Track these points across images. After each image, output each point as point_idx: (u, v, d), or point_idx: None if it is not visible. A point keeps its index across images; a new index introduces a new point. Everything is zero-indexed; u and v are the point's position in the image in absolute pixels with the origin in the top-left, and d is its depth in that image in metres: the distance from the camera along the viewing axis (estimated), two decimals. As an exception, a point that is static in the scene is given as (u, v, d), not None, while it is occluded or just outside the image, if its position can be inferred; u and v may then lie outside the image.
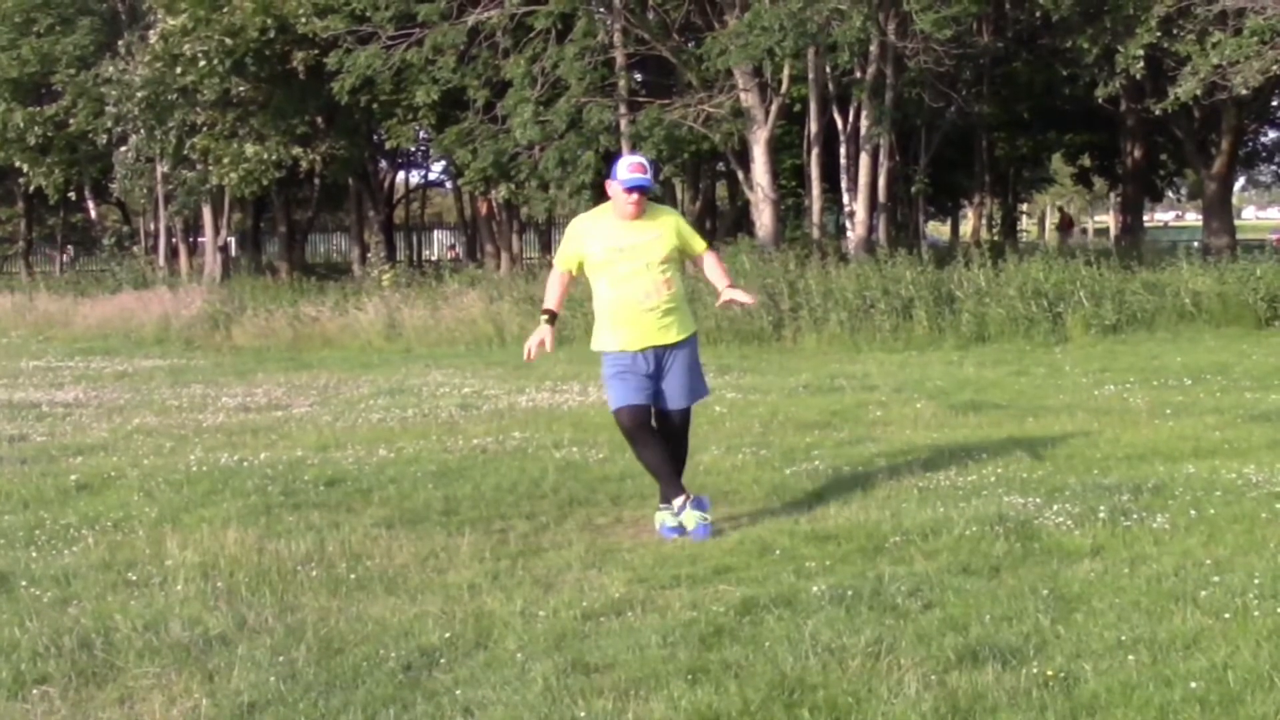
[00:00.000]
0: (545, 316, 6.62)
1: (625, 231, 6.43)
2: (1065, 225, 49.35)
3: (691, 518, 6.40)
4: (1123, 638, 4.53)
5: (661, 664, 4.42)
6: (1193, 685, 4.06)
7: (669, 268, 6.48)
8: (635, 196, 6.38)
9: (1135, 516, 6.26)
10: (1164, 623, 4.69)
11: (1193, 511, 6.32)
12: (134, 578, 5.75)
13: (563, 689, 4.23)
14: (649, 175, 6.46)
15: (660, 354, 6.48)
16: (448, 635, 4.83)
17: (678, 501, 6.44)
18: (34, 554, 6.25)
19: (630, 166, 6.46)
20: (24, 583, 5.68)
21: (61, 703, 4.31)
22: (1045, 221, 75.57)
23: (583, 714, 4.05)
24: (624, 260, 6.40)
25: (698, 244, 6.70)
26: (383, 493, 7.54)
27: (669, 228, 6.52)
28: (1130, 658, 4.33)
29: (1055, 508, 6.46)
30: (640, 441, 6.50)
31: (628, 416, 6.45)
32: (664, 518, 6.50)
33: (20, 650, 4.77)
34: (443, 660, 4.60)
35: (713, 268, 6.78)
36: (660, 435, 6.57)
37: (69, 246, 43.45)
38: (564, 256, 6.64)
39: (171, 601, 5.36)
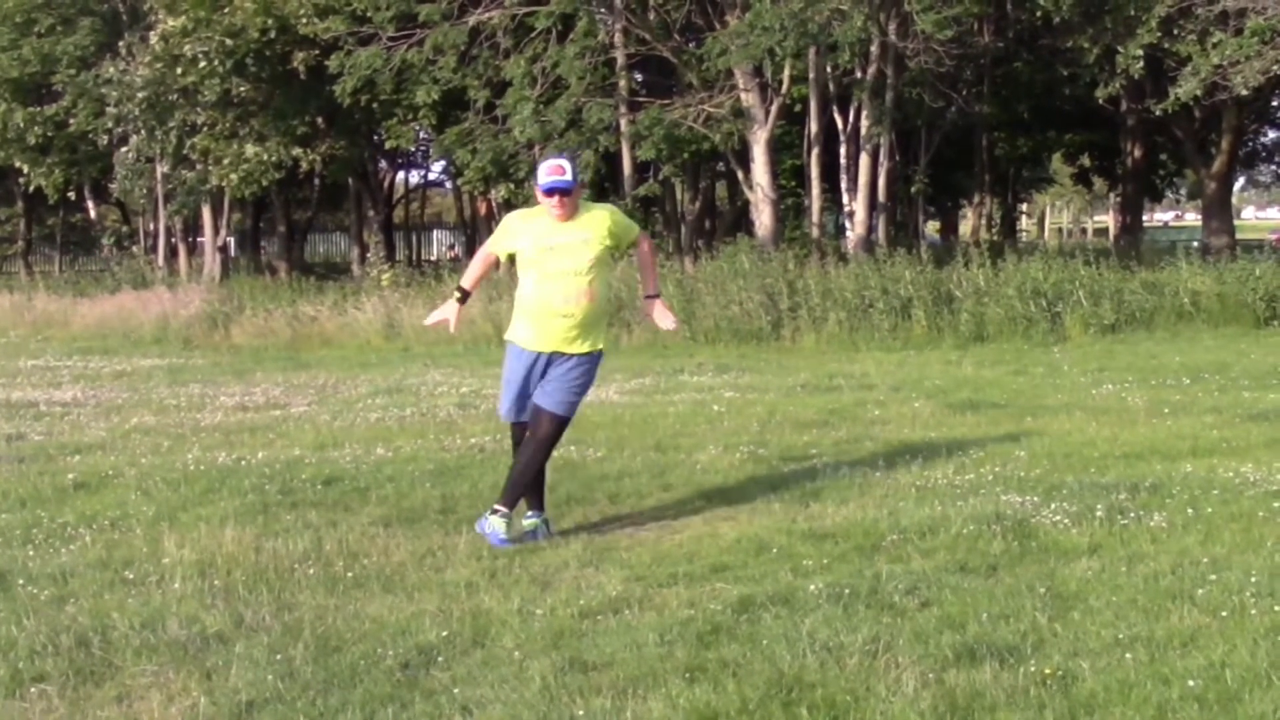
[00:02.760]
0: (457, 294, 6.60)
1: (556, 231, 6.36)
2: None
3: (496, 524, 6.29)
4: (1120, 636, 4.53)
5: (659, 662, 4.42)
6: (1190, 683, 4.06)
7: (595, 275, 6.37)
8: (555, 199, 6.31)
9: (1133, 515, 6.27)
10: (1161, 621, 4.69)
11: (1190, 510, 6.32)
12: (131, 576, 5.75)
13: (560, 687, 4.23)
14: (569, 176, 6.33)
15: (558, 359, 6.41)
16: (445, 633, 4.83)
17: (503, 510, 6.34)
18: (31, 552, 6.25)
19: (549, 169, 6.38)
20: (21, 581, 5.68)
21: (59, 701, 4.31)
22: (1045, 222, 75.59)
23: (580, 712, 4.05)
24: (553, 259, 6.34)
25: (631, 231, 6.63)
26: (380, 491, 7.54)
27: (600, 228, 6.41)
28: (1128, 656, 4.33)
29: (1053, 506, 6.46)
30: (523, 446, 6.53)
31: (518, 432, 6.56)
32: (532, 523, 6.46)
33: (18, 648, 4.76)
34: (440, 658, 4.60)
35: (644, 262, 6.79)
36: (525, 439, 6.52)
37: (70, 246, 43.45)
38: (495, 240, 6.60)
39: (169, 600, 5.36)
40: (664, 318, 6.72)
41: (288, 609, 5.24)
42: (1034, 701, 4.01)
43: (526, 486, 6.48)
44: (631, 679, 4.29)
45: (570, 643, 4.70)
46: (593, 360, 6.51)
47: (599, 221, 6.45)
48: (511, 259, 6.55)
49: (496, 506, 6.40)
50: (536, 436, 6.43)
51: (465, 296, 6.63)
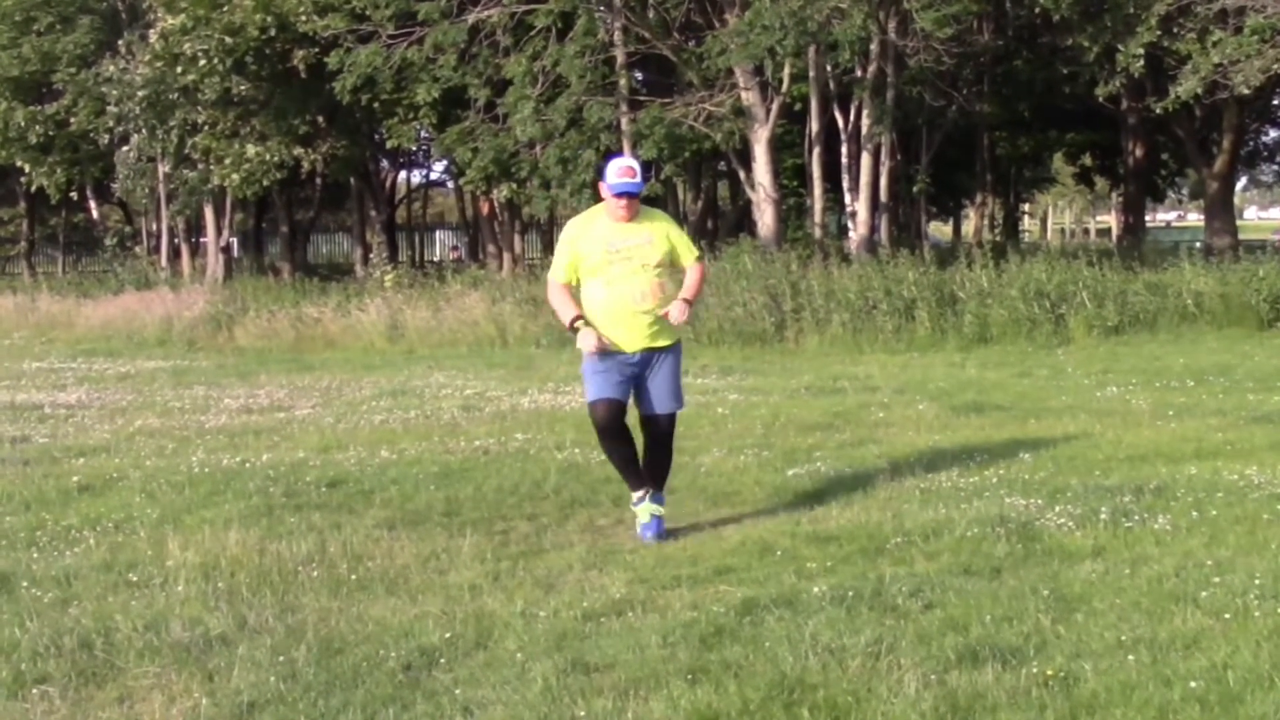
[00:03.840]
0: (580, 323, 6.42)
1: (619, 233, 6.38)
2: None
3: (646, 510, 6.42)
4: (1123, 638, 4.53)
5: (662, 664, 4.43)
6: (1192, 685, 4.06)
7: (663, 272, 6.44)
8: (624, 202, 6.34)
9: (1137, 518, 6.26)
10: (1164, 623, 4.69)
11: (1194, 513, 6.32)
12: (135, 578, 5.75)
13: (563, 689, 4.23)
14: (639, 179, 6.38)
15: (648, 357, 6.45)
16: (448, 635, 4.83)
17: (637, 494, 6.48)
18: (35, 555, 6.26)
19: (619, 171, 6.38)
20: (25, 583, 5.69)
21: (61, 702, 4.32)
22: (1047, 222, 75.53)
23: (582, 714, 4.05)
24: (619, 261, 6.36)
25: (687, 255, 6.59)
26: (384, 494, 7.55)
27: (661, 233, 6.47)
28: (1130, 658, 4.33)
29: (1057, 509, 6.46)
30: (611, 436, 6.49)
31: (604, 410, 6.42)
32: (645, 510, 6.51)
33: (21, 650, 4.77)
34: (443, 660, 4.61)
35: (691, 280, 6.64)
36: (646, 441, 6.60)
37: (72, 246, 43.51)
38: (563, 267, 6.50)
39: (172, 602, 5.37)
40: (679, 311, 6.48)
41: (291, 611, 5.24)
42: (1035, 703, 4.01)
43: (635, 469, 6.55)
44: (634, 680, 4.29)
45: (573, 644, 4.71)
46: (679, 349, 6.61)
47: (660, 228, 6.50)
48: (575, 272, 6.48)
49: (656, 494, 6.53)
50: (661, 433, 6.58)
51: (583, 319, 6.44)
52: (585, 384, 6.64)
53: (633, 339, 6.41)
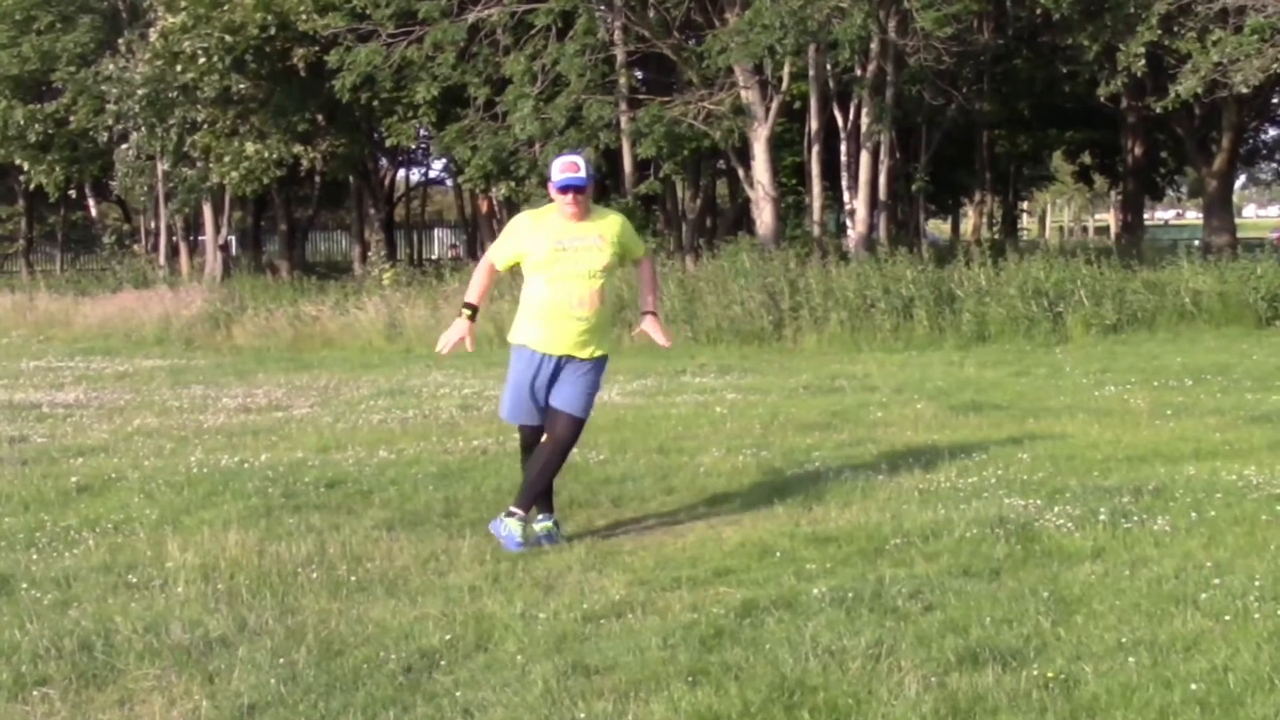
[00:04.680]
0: (467, 312, 6.47)
1: (570, 231, 6.30)
2: None
3: (512, 526, 6.28)
4: (1123, 640, 4.53)
5: (661, 666, 4.43)
6: (1193, 687, 4.07)
7: (605, 279, 6.35)
8: (570, 196, 6.25)
9: (1136, 519, 6.26)
10: (1164, 625, 4.69)
11: (1193, 513, 6.32)
12: (134, 580, 5.75)
13: (563, 691, 4.23)
14: (583, 173, 6.27)
15: (567, 362, 6.37)
16: (448, 637, 4.83)
17: (519, 512, 6.34)
18: (35, 556, 6.25)
19: (563, 166, 6.30)
20: (24, 585, 5.68)
21: (61, 704, 4.32)
22: (1046, 220, 75.54)
23: (582, 716, 4.06)
24: (565, 261, 6.27)
25: (638, 249, 6.60)
26: (383, 494, 7.55)
27: (611, 232, 6.37)
28: (1130, 660, 4.33)
29: (1056, 510, 6.46)
30: (535, 450, 6.51)
31: (528, 434, 6.53)
32: (544, 526, 6.45)
33: (21, 652, 4.77)
34: (443, 662, 4.61)
35: (646, 280, 6.73)
36: (541, 441, 6.48)
37: (71, 245, 43.47)
38: (501, 253, 6.46)
39: (172, 604, 5.37)
40: (657, 334, 6.67)
41: (290, 613, 5.24)
42: (1035, 705, 4.01)
43: (542, 489, 6.46)
44: (633, 682, 4.29)
45: (573, 646, 4.71)
46: (603, 364, 6.50)
47: (611, 226, 6.41)
48: (512, 269, 6.48)
49: (511, 509, 6.39)
50: (555, 439, 6.40)
51: (475, 313, 6.51)
52: (504, 392, 6.59)
53: (560, 342, 6.33)
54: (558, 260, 6.28)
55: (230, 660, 4.65)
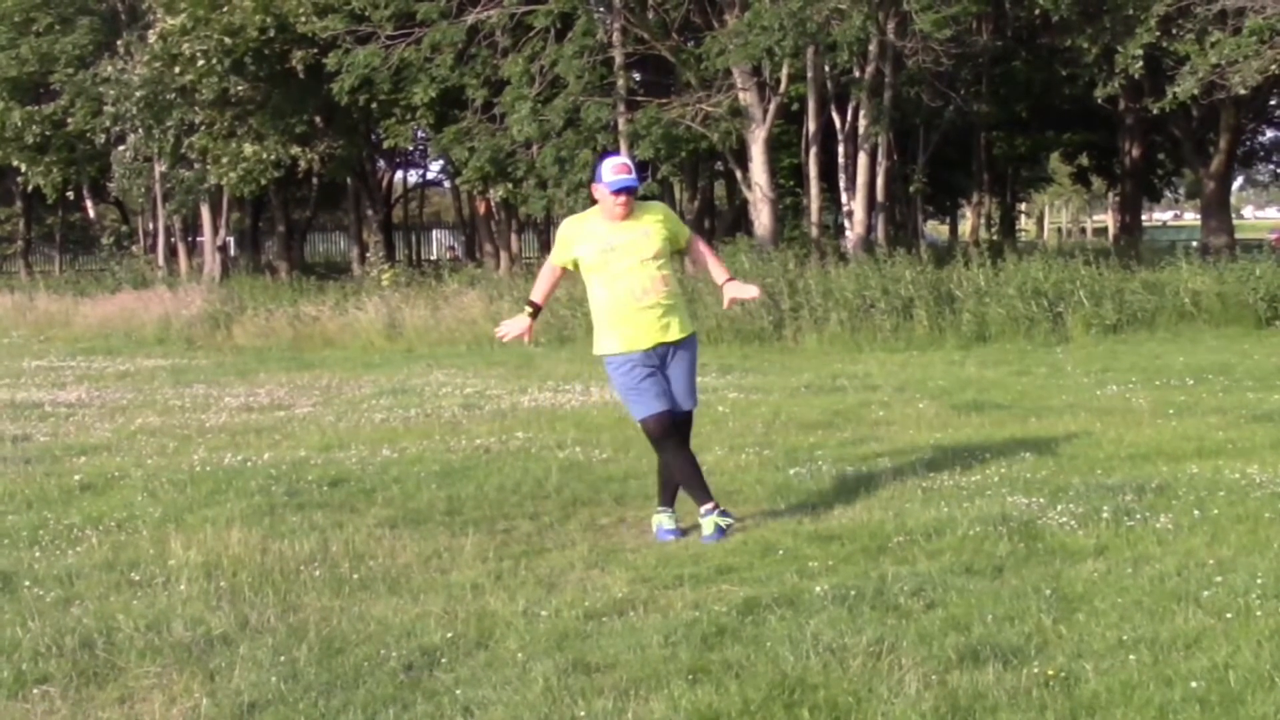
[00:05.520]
0: (529, 308, 6.58)
1: (615, 231, 6.35)
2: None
3: (710, 522, 6.35)
4: (1124, 637, 4.53)
5: (663, 664, 4.42)
6: (1194, 685, 4.06)
7: (664, 264, 6.40)
8: (623, 198, 6.32)
9: (1138, 517, 6.26)
10: (1166, 622, 4.69)
11: (1196, 511, 6.32)
12: (137, 578, 5.75)
13: (564, 689, 4.23)
14: (634, 176, 6.38)
15: (664, 352, 6.40)
16: (450, 635, 4.83)
17: (705, 505, 6.39)
18: (37, 554, 6.25)
19: (615, 168, 6.37)
20: (27, 583, 5.68)
21: (62, 702, 4.32)
22: (1044, 221, 75.55)
23: (583, 714, 4.05)
24: (616, 259, 6.32)
25: (683, 232, 6.63)
26: (386, 493, 7.55)
27: (657, 223, 6.43)
28: (1131, 657, 4.33)
29: (1059, 508, 6.46)
30: (671, 449, 6.44)
31: (656, 425, 6.37)
32: (662, 520, 6.50)
33: (22, 650, 4.77)
34: (444, 660, 4.61)
35: (706, 257, 6.75)
36: None
37: (69, 246, 43.49)
38: (560, 255, 6.55)
39: (174, 601, 5.37)
40: (744, 290, 6.64)
41: (293, 610, 5.24)
42: (1036, 703, 4.01)
43: (702, 481, 6.50)
44: (635, 680, 4.29)
45: (574, 644, 4.71)
46: (693, 342, 6.55)
47: (654, 217, 6.47)
48: (575, 266, 6.50)
49: (661, 508, 6.52)
50: (682, 430, 6.47)
51: (536, 311, 6.57)
52: (627, 404, 6.58)
53: (644, 335, 6.36)
54: (608, 261, 6.33)
55: (231, 658, 4.65)
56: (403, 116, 25.98)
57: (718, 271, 6.74)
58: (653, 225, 6.41)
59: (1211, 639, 4.49)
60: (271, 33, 24.75)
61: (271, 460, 8.70)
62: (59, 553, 6.27)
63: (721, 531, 6.31)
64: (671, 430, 6.40)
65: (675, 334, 6.42)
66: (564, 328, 18.03)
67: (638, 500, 7.25)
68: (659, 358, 6.39)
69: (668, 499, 6.56)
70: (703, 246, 6.81)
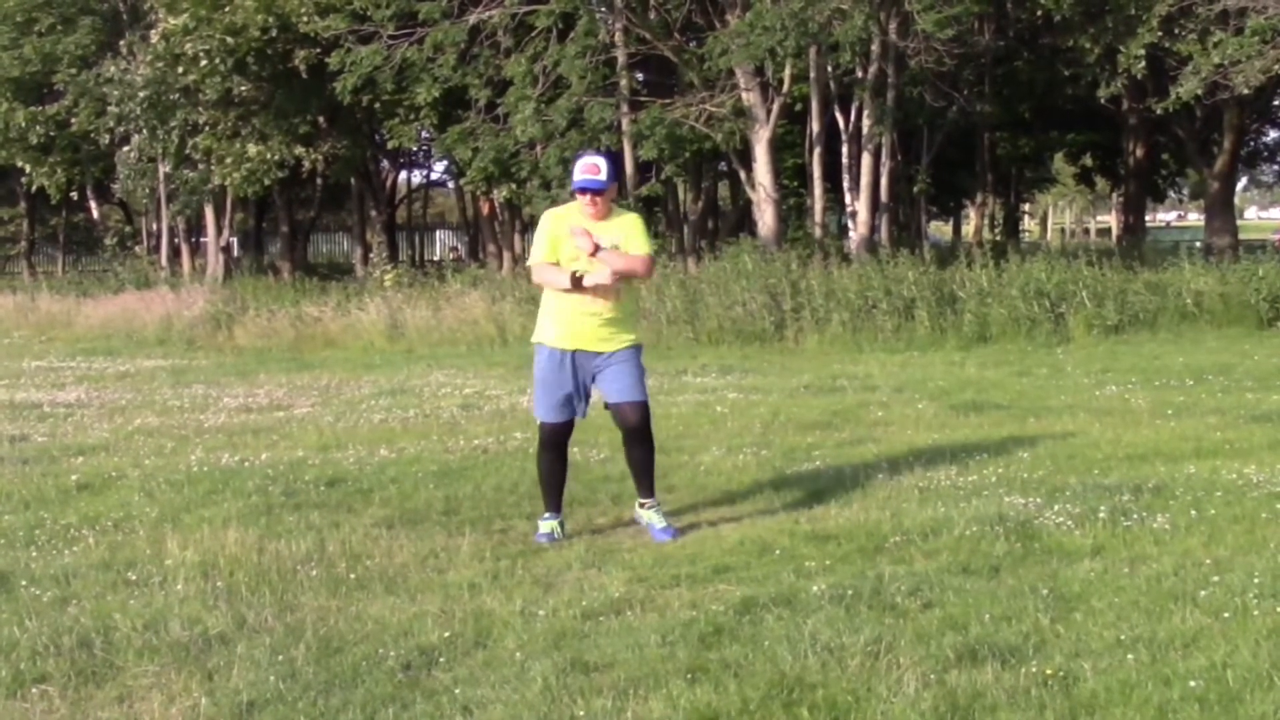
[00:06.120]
0: (578, 269, 6.31)
1: (593, 231, 6.32)
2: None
3: (549, 525, 6.44)
4: (1122, 637, 4.53)
5: (661, 663, 4.42)
6: (1191, 684, 4.07)
7: (624, 282, 6.39)
8: (589, 198, 6.29)
9: (1136, 517, 6.26)
10: (1163, 622, 4.68)
11: (1193, 512, 6.32)
12: (134, 577, 5.75)
13: (561, 688, 4.23)
14: (603, 176, 6.29)
15: (591, 359, 6.40)
16: (447, 634, 4.83)
17: (550, 515, 6.50)
18: (34, 554, 6.25)
19: (584, 168, 6.31)
20: (24, 582, 5.68)
21: (60, 702, 4.32)
22: (1048, 222, 75.51)
23: (581, 713, 4.05)
24: (584, 260, 6.31)
25: (639, 246, 6.40)
26: (383, 493, 7.54)
27: (625, 235, 6.37)
28: (1129, 657, 4.33)
29: (1056, 508, 6.46)
30: (549, 456, 6.55)
31: (549, 433, 6.52)
32: (654, 519, 6.51)
33: (20, 649, 4.77)
34: (442, 659, 4.61)
35: (631, 264, 6.40)
36: (624, 438, 6.55)
37: (72, 246, 43.56)
38: (543, 250, 6.44)
39: (171, 601, 5.37)
40: (615, 261, 6.31)
41: (290, 610, 5.24)
42: (1035, 702, 4.01)
43: (650, 471, 6.55)
44: (633, 680, 4.29)
45: (572, 644, 4.71)
46: (633, 351, 6.49)
47: (628, 226, 6.42)
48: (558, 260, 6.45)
49: (643, 501, 6.54)
50: (632, 429, 6.46)
51: (576, 277, 6.32)
52: (535, 395, 6.64)
53: (574, 338, 6.39)
54: (579, 258, 6.32)
55: (229, 657, 4.65)
56: (406, 117, 26.00)
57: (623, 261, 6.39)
58: (624, 235, 6.37)
59: (1209, 638, 4.49)
60: (274, 32, 24.77)
61: (269, 460, 8.70)
62: (56, 552, 6.27)
63: (549, 538, 6.36)
64: (559, 442, 6.52)
65: (609, 347, 6.41)
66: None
67: (634, 500, 7.23)
68: (583, 365, 6.39)
69: (646, 489, 6.56)
70: (638, 262, 6.38)
